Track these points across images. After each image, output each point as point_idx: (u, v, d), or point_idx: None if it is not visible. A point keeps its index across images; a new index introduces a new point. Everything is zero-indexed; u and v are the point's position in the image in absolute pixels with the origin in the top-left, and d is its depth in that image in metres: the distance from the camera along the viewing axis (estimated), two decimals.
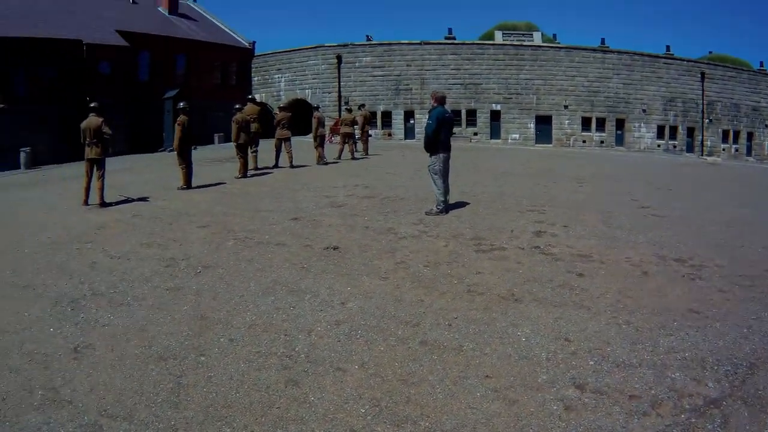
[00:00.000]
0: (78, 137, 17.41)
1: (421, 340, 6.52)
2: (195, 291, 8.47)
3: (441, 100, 14.24)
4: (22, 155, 35.04)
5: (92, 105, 17.33)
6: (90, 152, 16.90)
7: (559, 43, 67.10)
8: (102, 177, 16.96)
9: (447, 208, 13.97)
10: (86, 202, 16.87)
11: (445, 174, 13.93)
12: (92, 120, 16.82)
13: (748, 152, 62.62)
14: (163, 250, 11.05)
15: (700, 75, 60.23)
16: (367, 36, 64.02)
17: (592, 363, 5.95)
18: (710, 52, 77.12)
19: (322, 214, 14.08)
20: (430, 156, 14.05)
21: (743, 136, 62.86)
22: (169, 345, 6.69)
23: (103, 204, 16.70)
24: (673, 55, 62.30)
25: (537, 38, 68.16)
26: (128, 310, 7.86)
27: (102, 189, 16.89)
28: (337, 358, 6.23)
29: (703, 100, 60.04)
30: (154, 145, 43.34)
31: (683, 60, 61.40)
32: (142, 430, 5.09)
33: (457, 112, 55.97)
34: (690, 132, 60.66)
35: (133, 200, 17.56)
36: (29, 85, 39.02)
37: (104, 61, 42.94)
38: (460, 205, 15.03)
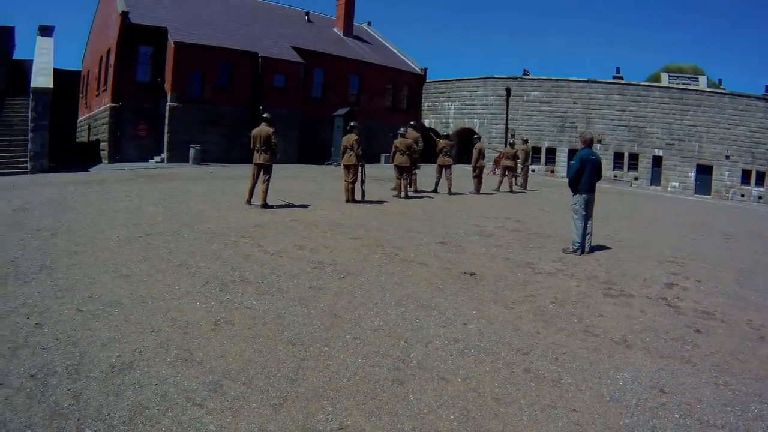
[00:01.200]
0: (248, 141, 18.39)
1: (525, 368, 6.81)
2: (334, 293, 9.06)
3: (588, 142, 14.82)
4: (192, 151, 37.46)
5: (264, 115, 18.63)
6: (258, 158, 18.04)
7: (723, 88, 65.40)
8: (267, 182, 18.26)
9: (583, 248, 14.17)
10: (249, 202, 18.20)
11: (586, 215, 14.27)
12: (263, 128, 17.98)
13: None
14: (314, 254, 11.73)
15: None
16: (524, 70, 63.72)
17: (677, 416, 5.99)
18: None
19: (469, 241, 14.46)
20: (573, 195, 14.54)
21: None
22: (300, 333, 7.41)
23: (265, 206, 18.01)
24: None
25: (702, 82, 66.48)
26: (270, 299, 8.60)
27: (266, 192, 18.13)
28: (445, 369, 6.63)
29: None
30: (321, 158, 44.69)
31: None
32: (256, 394, 5.83)
33: (620, 155, 55.97)
34: None
35: (293, 206, 18.54)
36: (204, 87, 40.99)
37: (279, 74, 44.40)
38: (604, 248, 15.25)
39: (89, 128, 47.64)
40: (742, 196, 53.32)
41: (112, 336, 6.96)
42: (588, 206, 14.36)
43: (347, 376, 6.28)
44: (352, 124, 21.38)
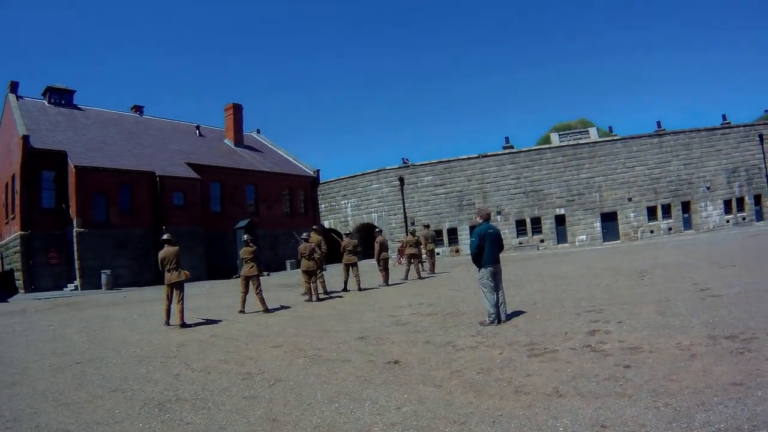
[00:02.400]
0: (156, 263, 18.39)
1: None
2: (268, 399, 8.96)
3: (485, 217, 15.10)
4: (104, 276, 37.67)
5: (164, 237, 18.76)
6: (171, 277, 18.05)
7: (615, 135, 67.36)
8: (182, 300, 18.23)
9: (499, 318, 14.21)
10: (167, 322, 18.03)
11: (494, 286, 14.34)
12: (169, 249, 18.19)
13: None
14: (240, 366, 11.63)
15: (758, 138, 59.93)
16: (404, 159, 65.98)
17: None
18: (766, 111, 76.62)
19: (387, 332, 14.37)
20: (478, 270, 14.71)
21: None
22: None
23: (184, 325, 17.84)
24: (729, 123, 62.61)
25: (593, 134, 68.74)
26: (209, 413, 8.46)
27: (182, 311, 18.06)
28: None
29: (765, 163, 59.64)
30: (229, 272, 44.88)
31: (739, 126, 61.34)
32: None
33: (522, 222, 57.90)
34: (757, 200, 60.12)
35: (211, 322, 18.50)
36: (109, 210, 41.51)
37: (177, 192, 45.49)
38: (519, 313, 15.36)
39: (2, 257, 47.64)
40: (652, 232, 55.08)
41: None
42: (495, 277, 14.46)
43: None
44: (245, 237, 21.62)
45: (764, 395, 6.91)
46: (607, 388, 7.96)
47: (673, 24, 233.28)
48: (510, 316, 14.70)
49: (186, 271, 18.42)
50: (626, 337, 10.97)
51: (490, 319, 14.16)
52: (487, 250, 14.43)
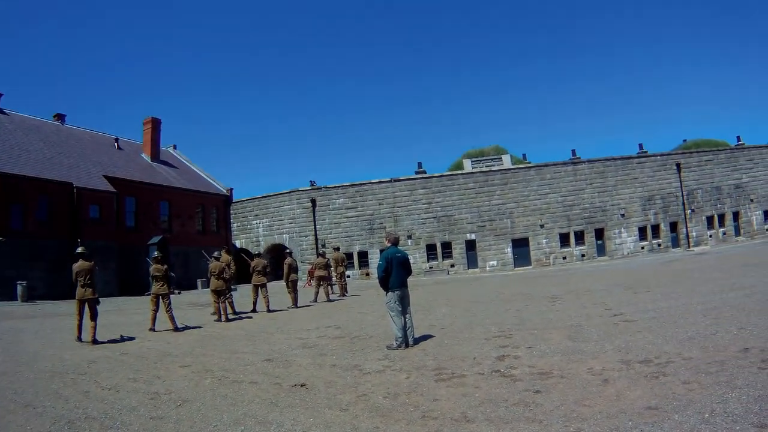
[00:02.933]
0: (70, 276, 17.95)
1: None
2: (175, 420, 8.87)
3: (394, 241, 15.34)
4: (19, 288, 36.71)
5: (79, 250, 18.44)
6: (84, 293, 17.69)
7: (529, 162, 68.39)
8: (94, 317, 17.84)
9: (407, 342, 14.21)
10: (79, 338, 17.83)
11: (401, 310, 14.38)
12: (83, 264, 17.93)
13: (737, 232, 63.37)
14: (149, 385, 11.50)
15: (675, 167, 61.31)
16: (311, 182, 66.29)
17: None
18: (684, 140, 78.70)
19: (294, 354, 14.36)
20: (386, 294, 14.76)
21: (729, 217, 63.47)
22: None
23: (95, 341, 17.47)
24: (646, 152, 63.85)
25: (506, 161, 69.48)
26: None
27: (94, 328, 17.69)
28: None
29: (682, 191, 61.09)
30: (142, 288, 44.18)
31: (656, 155, 62.81)
32: None
33: (432, 246, 58.55)
34: (673, 227, 61.47)
35: (123, 339, 18.43)
36: (25, 220, 40.75)
37: (93, 205, 45.07)
38: (428, 337, 15.42)
39: None
40: (564, 258, 55.91)
41: None
42: (402, 301, 14.53)
43: None
44: (156, 254, 21.43)
45: (681, 419, 6.92)
46: (517, 413, 7.93)
47: (589, 54, 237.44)
48: (418, 340, 14.78)
49: (94, 289, 17.98)
50: (536, 362, 11.00)
51: (398, 342, 14.21)
52: (394, 273, 14.55)
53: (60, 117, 59.22)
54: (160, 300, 20.41)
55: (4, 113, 51.41)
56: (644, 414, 7.25)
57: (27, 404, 10.18)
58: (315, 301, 29.69)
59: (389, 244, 15.32)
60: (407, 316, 14.57)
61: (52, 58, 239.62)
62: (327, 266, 31.55)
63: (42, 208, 41.99)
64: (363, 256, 60.61)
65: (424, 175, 62.89)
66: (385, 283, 14.63)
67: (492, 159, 72.39)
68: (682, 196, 61.36)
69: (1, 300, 36.83)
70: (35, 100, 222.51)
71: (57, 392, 11.10)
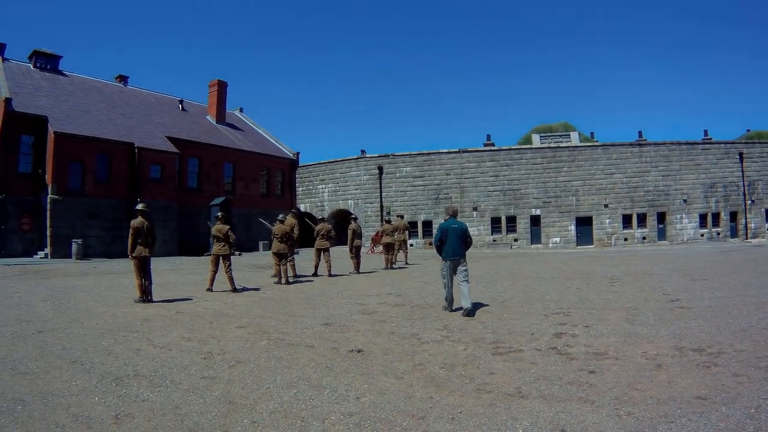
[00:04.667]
0: (127, 235, 18.06)
1: (424, 430, 6.64)
2: (227, 381, 8.85)
3: (452, 213, 16.23)
4: (74, 246, 37.51)
5: (139, 207, 18.24)
6: (141, 250, 17.59)
7: (596, 141, 67.43)
8: (148, 275, 17.89)
9: (451, 306, 15.42)
10: (143, 299, 17.59)
11: (454, 277, 15.38)
12: (143, 221, 17.71)
13: None
14: (202, 345, 11.52)
15: (738, 156, 60.31)
16: (362, 150, 66.93)
17: None
18: (748, 130, 77.02)
19: (353, 320, 14.30)
20: (442, 262, 15.71)
21: None
22: (199, 421, 7.11)
23: (150, 300, 17.68)
24: (710, 139, 62.72)
25: (574, 138, 68.52)
26: (166, 391, 8.34)
27: (149, 287, 17.83)
28: None
29: (743, 181, 60.01)
30: (200, 249, 45.05)
31: (720, 143, 61.63)
32: None
33: (497, 219, 58.05)
34: (733, 216, 60.45)
35: (178, 299, 18.29)
36: (84, 179, 41.07)
37: (155, 165, 45.12)
38: (488, 310, 15.42)
39: None
40: (626, 240, 54.91)
41: None
42: (457, 269, 15.32)
43: None
44: (219, 214, 21.32)
45: (728, 411, 6.85)
46: (570, 392, 7.86)
47: (661, 42, 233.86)
48: (476, 311, 14.98)
49: (149, 248, 17.96)
50: (592, 342, 10.91)
51: (446, 305, 15.47)
52: (448, 243, 15.37)
53: (123, 78, 59.81)
54: (221, 261, 20.46)
55: (64, 75, 52.09)
56: (693, 403, 7.21)
57: (74, 360, 10.25)
58: (387, 268, 29.89)
59: (448, 217, 16.02)
60: (464, 283, 15.10)
61: (116, 21, 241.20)
62: (393, 233, 31.53)
63: (101, 168, 42.46)
64: (428, 225, 60.20)
65: (493, 148, 62.27)
66: (440, 251, 15.59)
67: (560, 135, 71.61)
68: (744, 186, 60.45)
69: (56, 258, 37.61)
70: (97, 62, 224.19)
71: (107, 349, 11.18)
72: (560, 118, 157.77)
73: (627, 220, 58.54)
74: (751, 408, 6.95)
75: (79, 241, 38.72)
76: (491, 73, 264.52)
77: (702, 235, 59.24)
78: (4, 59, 48.08)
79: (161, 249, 30.82)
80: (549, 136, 71.74)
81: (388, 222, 32.40)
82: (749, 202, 60.31)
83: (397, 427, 6.81)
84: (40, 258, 39.05)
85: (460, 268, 15.41)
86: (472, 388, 8.27)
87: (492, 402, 7.59)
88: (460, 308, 15.04)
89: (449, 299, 15.50)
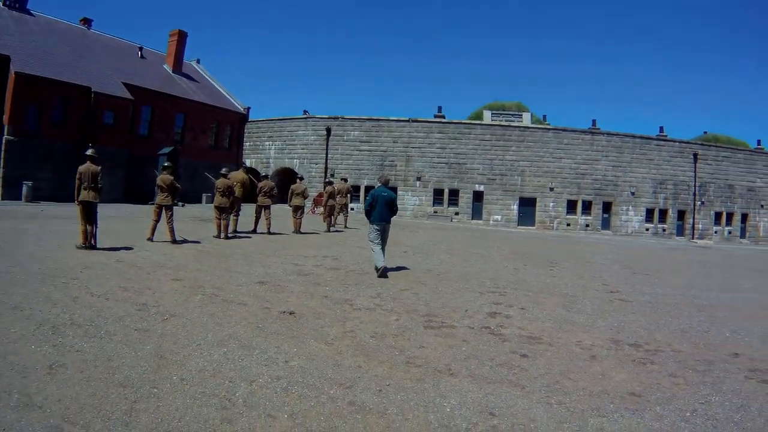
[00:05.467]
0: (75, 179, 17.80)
1: (350, 401, 6.67)
2: (159, 335, 8.90)
3: (384, 182, 17.53)
4: (24, 188, 37.05)
5: (89, 152, 17.97)
6: (86, 195, 17.38)
7: (548, 124, 67.66)
8: (95, 222, 17.59)
9: (382, 269, 15.88)
10: (85, 245, 17.40)
11: (380, 241, 16.55)
12: (90, 166, 17.55)
13: (743, 234, 63.00)
14: (138, 296, 11.55)
15: (692, 156, 60.89)
16: (304, 111, 67.52)
17: None
18: (705, 132, 78.33)
19: (288, 280, 14.35)
20: (369, 225, 17.03)
21: (737, 217, 63.14)
22: (129, 375, 7.20)
23: (93, 247, 17.43)
24: (666, 136, 63.03)
25: (526, 119, 68.91)
26: (100, 342, 8.42)
27: (93, 234, 17.61)
28: (271, 406, 6.51)
29: (695, 181, 60.61)
30: (146, 197, 44.21)
31: (675, 141, 62.09)
32: None
33: (440, 191, 58.33)
34: (681, 215, 61.08)
35: (118, 249, 18.05)
36: (40, 121, 40.68)
37: (109, 111, 44.57)
38: (423, 282, 15.51)
39: None
40: (568, 225, 55.62)
41: None
42: (382, 235, 16.65)
43: (177, 417, 6.12)
44: (166, 163, 21.35)
45: (663, 412, 6.88)
46: (501, 375, 7.92)
47: (630, 35, 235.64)
48: (406, 282, 15.39)
49: (97, 194, 17.65)
50: (527, 326, 10.96)
51: (378, 269, 15.90)
52: (377, 209, 16.63)
53: (87, 21, 58.97)
54: (163, 211, 20.37)
55: (31, 14, 51.24)
56: (627, 399, 7.23)
57: (15, 306, 10.20)
58: (328, 230, 30.07)
59: (380, 184, 17.37)
60: (383, 246, 16.59)
61: None
62: (333, 196, 31.70)
63: (57, 111, 42.06)
64: (370, 190, 59.29)
65: (442, 120, 62.61)
66: (369, 216, 16.85)
67: (512, 114, 71.89)
68: (695, 186, 61.10)
69: (6, 200, 37.22)
70: (63, 2, 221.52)
71: (47, 296, 11.11)
72: (515, 97, 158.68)
73: (572, 206, 58.87)
74: (686, 411, 6.97)
75: (30, 183, 38.15)
76: (445, 49, 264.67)
77: (647, 230, 59.82)
78: None
79: (108, 195, 30.77)
80: (501, 114, 71.99)
81: (330, 184, 32.44)
82: (699, 203, 60.99)
83: (324, 395, 6.86)
84: None
85: (386, 233, 16.93)
86: (401, 360, 8.35)
87: (421, 377, 7.65)
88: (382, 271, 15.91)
89: (380, 261, 16.07)
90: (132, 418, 6.03)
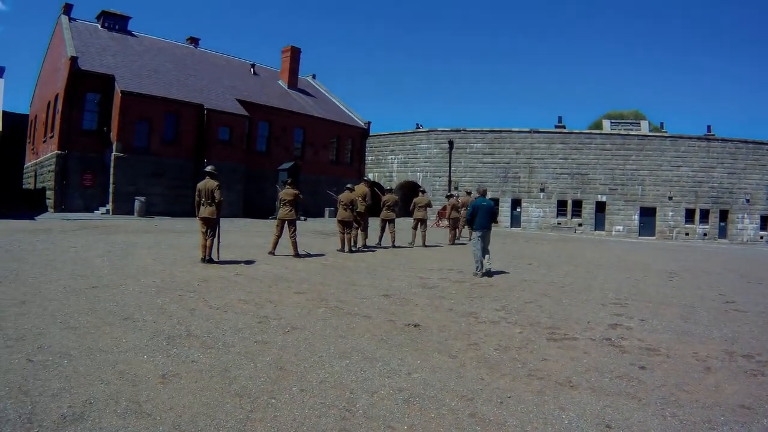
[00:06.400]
0: (192, 194, 18.36)
1: (470, 413, 6.71)
2: (280, 346, 8.96)
3: (482, 193, 19.78)
4: (137, 203, 38.03)
5: (207, 169, 18.51)
6: (204, 211, 17.80)
7: (665, 132, 66.48)
8: (213, 236, 18.12)
9: (483, 271, 18.26)
10: (204, 260, 17.93)
11: (483, 246, 18.36)
12: (208, 182, 17.96)
13: None
14: (259, 309, 11.67)
15: None
16: (417, 124, 67.48)
17: None
18: None
19: (412, 293, 14.39)
20: (472, 233, 19.38)
21: None
22: (247, 386, 7.21)
23: (210, 260, 17.93)
24: None
25: (644, 127, 67.83)
26: (217, 353, 8.48)
27: (211, 247, 18.07)
28: (391, 417, 6.50)
29: None
30: (266, 212, 45.20)
31: None
32: None
33: (563, 203, 57.79)
34: None
35: (239, 262, 18.39)
36: (150, 138, 41.69)
37: (224, 127, 45.46)
38: (547, 295, 15.36)
39: (36, 175, 48.19)
40: (687, 234, 54.31)
41: (62, 387, 6.87)
42: (483, 240, 18.43)
43: (294, 427, 6.17)
44: (288, 178, 21.85)
45: None
46: (619, 387, 7.86)
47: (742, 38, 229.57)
48: (523, 288, 16.17)
49: (215, 209, 18.02)
50: (646, 337, 10.85)
51: (476, 271, 18.36)
52: (478, 218, 18.62)
53: (194, 40, 60.62)
54: (285, 225, 20.65)
55: (133, 35, 52.93)
56: (737, 411, 7.10)
57: (126, 317, 10.37)
58: (452, 243, 30.12)
59: (478, 195, 19.62)
60: (487, 252, 18.52)
61: None
62: (458, 209, 31.60)
63: (168, 128, 43.15)
64: (494, 203, 58.83)
65: (563, 130, 62.11)
66: (471, 224, 19.01)
67: (630, 123, 70.85)
68: None
69: (118, 214, 38.32)
70: (168, 24, 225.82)
71: (161, 307, 11.34)
72: (632, 105, 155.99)
73: (690, 215, 57.83)
74: None
75: (142, 198, 39.25)
76: (565, 58, 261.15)
77: (761, 237, 58.49)
78: (71, 19, 48.81)
79: (227, 210, 31.50)
80: (620, 123, 71.09)
81: (452, 197, 32.73)
82: None
83: (445, 407, 6.87)
84: (101, 214, 39.75)
85: (488, 239, 18.68)
86: (523, 372, 8.33)
87: (541, 389, 7.63)
88: (488, 272, 18.27)
89: (479, 265, 18.30)
90: (247, 427, 6.07)
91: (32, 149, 53.99)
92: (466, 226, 32.90)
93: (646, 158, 57.82)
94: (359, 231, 24.63)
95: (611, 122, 71.55)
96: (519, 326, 11.32)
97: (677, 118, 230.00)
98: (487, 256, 18.42)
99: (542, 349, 9.71)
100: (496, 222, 17.63)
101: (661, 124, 75.89)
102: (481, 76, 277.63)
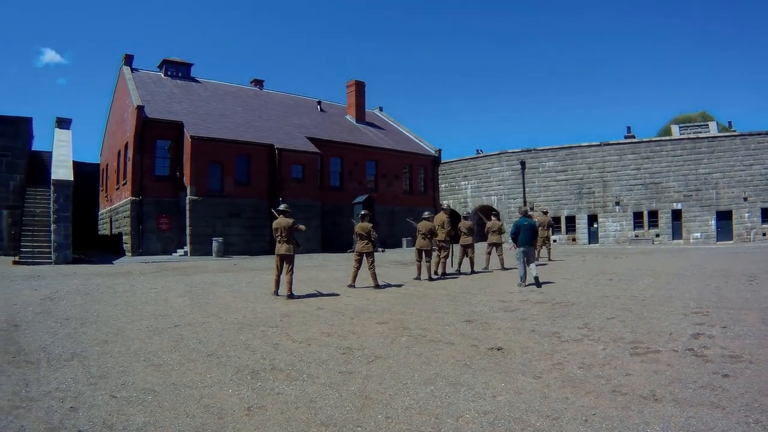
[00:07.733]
0: (269, 232, 18.75)
1: None
2: (364, 376, 9.09)
3: (523, 213, 22.42)
4: (215, 243, 38.94)
5: (281, 207, 19.02)
6: (281, 248, 18.42)
7: (734, 130, 65.42)
8: (291, 271, 18.61)
9: (526, 281, 21.09)
10: (276, 293, 18.72)
11: (526, 260, 21.18)
12: (283, 220, 18.66)
13: None
14: (342, 340, 11.84)
15: None
16: (478, 150, 68.84)
17: None
18: None
19: (494, 317, 14.46)
20: (516, 249, 21.54)
21: None
22: (332, 415, 7.34)
23: (291, 296, 18.22)
24: None
25: (713, 128, 66.92)
26: (302, 385, 8.62)
27: (290, 282, 18.45)
28: None
29: None
30: (344, 246, 45.86)
31: None
32: None
33: (639, 214, 57.16)
34: None
35: (320, 294, 18.81)
36: (223, 179, 42.62)
37: (296, 165, 46.22)
38: (629, 309, 15.31)
39: (111, 221, 49.62)
40: (764, 234, 53.04)
41: (147, 421, 7.07)
42: (527, 255, 21.17)
43: None
44: (362, 212, 21.79)
45: None
46: (703, 397, 7.80)
47: None
48: (605, 305, 16.17)
49: (291, 246, 18.54)
50: (728, 344, 10.76)
51: (520, 282, 21.04)
52: (521, 235, 21.19)
53: (258, 82, 61.86)
54: (364, 258, 20.94)
55: (197, 81, 54.29)
56: None
57: (210, 353, 10.64)
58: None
59: (521, 215, 22.20)
60: (532, 264, 21.22)
61: (245, 27, 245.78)
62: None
63: (241, 169, 44.10)
64: (570, 220, 60.04)
65: (633, 140, 61.38)
66: (515, 241, 21.40)
67: (699, 125, 69.98)
68: None
69: (195, 255, 39.14)
70: (230, 68, 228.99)
71: (244, 343, 11.62)
72: (699, 107, 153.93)
73: (766, 215, 56.20)
74: None
75: (220, 239, 40.11)
76: (628, 64, 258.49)
77: None
78: (133, 69, 50.20)
79: (304, 246, 31.86)
80: (688, 127, 70.23)
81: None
82: None
83: (530, 427, 6.92)
84: (179, 256, 40.64)
85: (530, 254, 21.31)
86: (607, 389, 8.35)
87: (626, 404, 7.64)
88: (533, 283, 20.78)
89: (523, 276, 21.10)
90: None
91: (106, 196, 55.59)
92: (544, 246, 33.06)
93: (717, 160, 56.69)
94: (441, 258, 25.05)
95: (680, 127, 70.71)
96: (602, 343, 11.36)
97: (745, 115, 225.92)
98: (532, 265, 21.12)
99: (625, 364, 9.71)
100: (536, 238, 18.56)
101: (729, 123, 75.17)
102: (550, 89, 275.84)
